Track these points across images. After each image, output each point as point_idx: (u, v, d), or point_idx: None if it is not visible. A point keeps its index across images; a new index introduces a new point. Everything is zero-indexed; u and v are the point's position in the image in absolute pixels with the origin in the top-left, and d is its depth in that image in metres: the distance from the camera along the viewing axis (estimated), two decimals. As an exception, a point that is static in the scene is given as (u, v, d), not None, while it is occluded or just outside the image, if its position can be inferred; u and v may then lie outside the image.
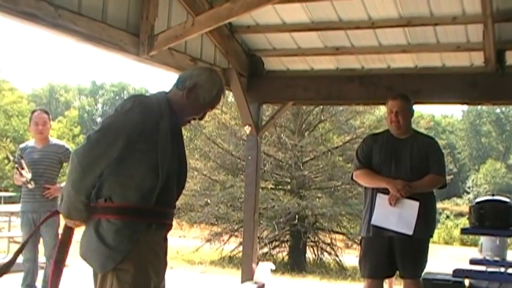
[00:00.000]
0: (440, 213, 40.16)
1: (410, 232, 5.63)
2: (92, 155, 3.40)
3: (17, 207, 9.93)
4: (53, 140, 8.14)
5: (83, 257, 3.62)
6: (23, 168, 7.58)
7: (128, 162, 3.47)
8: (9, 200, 23.74)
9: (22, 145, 8.16)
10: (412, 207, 5.66)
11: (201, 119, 3.92)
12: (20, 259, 7.95)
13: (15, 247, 12.12)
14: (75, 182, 3.44)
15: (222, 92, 3.88)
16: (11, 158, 8.03)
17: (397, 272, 5.92)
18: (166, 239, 3.76)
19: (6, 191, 32.52)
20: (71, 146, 8.36)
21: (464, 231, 9.17)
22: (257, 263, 9.15)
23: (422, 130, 13.16)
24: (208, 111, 3.92)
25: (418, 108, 8.50)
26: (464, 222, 35.10)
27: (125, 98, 3.67)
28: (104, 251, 3.46)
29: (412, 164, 5.78)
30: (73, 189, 3.46)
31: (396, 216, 5.67)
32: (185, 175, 3.83)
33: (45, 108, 8.55)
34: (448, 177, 6.22)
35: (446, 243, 31.83)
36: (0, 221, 16.02)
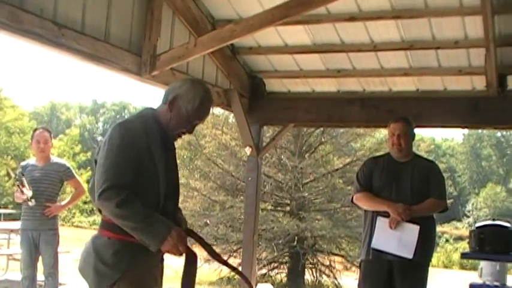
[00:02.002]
0: (439, 237, 40.06)
1: (410, 256, 5.62)
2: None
3: (17, 225, 9.92)
4: (54, 158, 8.17)
5: (80, 272, 3.62)
6: (24, 186, 7.60)
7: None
8: (9, 217, 23.73)
9: (23, 163, 8.19)
10: (412, 231, 5.65)
11: (190, 132, 3.85)
12: (18, 277, 7.96)
13: (14, 264, 12.11)
14: (121, 215, 3.39)
15: (206, 103, 3.80)
16: (12, 175, 8.05)
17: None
18: (163, 260, 3.76)
19: (6, 208, 32.52)
20: (71, 165, 8.38)
21: (464, 255, 9.15)
22: (256, 285, 9.12)
23: (422, 153, 13.20)
24: (197, 123, 3.85)
25: (418, 131, 8.58)
26: (463, 246, 35.01)
27: (113, 127, 3.60)
28: (100, 268, 3.47)
29: (412, 187, 5.78)
30: (129, 219, 3.40)
31: (396, 239, 5.67)
32: (178, 193, 3.83)
33: (47, 127, 8.60)
34: (448, 201, 6.20)
35: (446, 267, 31.71)
36: (0, 238, 16.00)
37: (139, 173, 3.47)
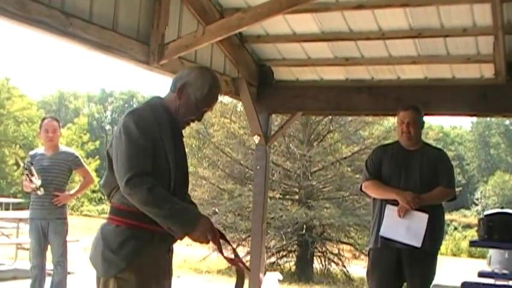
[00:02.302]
0: (448, 225, 39.99)
1: (418, 244, 5.62)
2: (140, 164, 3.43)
3: (25, 214, 9.97)
4: (63, 147, 8.19)
5: (90, 260, 3.65)
6: (32, 175, 7.63)
7: None
8: (17, 207, 23.83)
9: (32, 152, 8.21)
10: (421, 219, 5.65)
11: (199, 120, 3.86)
12: (27, 265, 8.00)
13: (23, 253, 12.16)
14: (151, 202, 3.40)
15: (215, 90, 3.81)
16: (21, 164, 8.08)
17: (405, 284, 5.90)
18: (171, 250, 3.76)
19: (15, 197, 32.64)
20: (80, 154, 8.41)
21: (473, 243, 9.13)
22: (264, 273, 9.13)
23: (431, 141, 13.16)
24: (206, 111, 3.85)
25: (427, 120, 8.54)
26: (472, 234, 34.95)
27: (124, 116, 3.62)
28: (108, 255, 3.49)
29: (421, 176, 5.77)
30: (159, 205, 3.41)
31: (405, 228, 5.66)
32: (188, 182, 3.84)
33: (56, 116, 8.62)
34: (456, 189, 6.19)
35: (454, 255, 31.67)
36: (9, 227, 16.07)
37: (153, 164, 3.48)
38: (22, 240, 12.59)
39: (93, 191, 45.22)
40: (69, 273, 8.17)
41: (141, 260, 3.49)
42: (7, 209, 24.52)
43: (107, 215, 3.72)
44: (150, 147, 3.48)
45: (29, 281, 7.92)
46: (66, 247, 8.00)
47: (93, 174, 8.37)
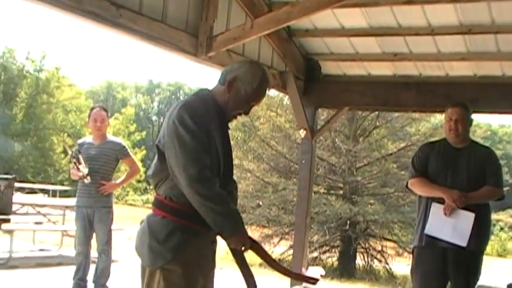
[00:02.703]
0: (494, 225, 39.48)
1: (464, 244, 5.55)
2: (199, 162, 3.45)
3: (71, 201, 10.11)
4: (110, 137, 8.27)
5: (136, 250, 3.69)
6: (80, 163, 7.73)
7: None
8: (64, 194, 24.20)
9: (80, 140, 8.31)
10: (467, 218, 5.57)
11: (246, 113, 3.87)
12: (72, 252, 8.11)
13: (68, 240, 12.34)
14: (213, 199, 3.46)
15: (264, 84, 3.83)
16: (69, 152, 8.19)
17: (449, 284, 5.84)
18: (215, 241, 3.78)
19: (62, 184, 33.13)
20: (126, 144, 8.50)
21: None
22: (307, 268, 9.13)
23: (478, 139, 13.00)
24: (254, 105, 3.86)
25: (475, 117, 8.40)
26: (519, 234, 34.48)
27: (177, 108, 3.63)
28: (155, 247, 3.52)
29: (469, 174, 5.70)
30: (218, 203, 3.47)
31: (450, 226, 5.60)
32: (233, 173, 3.85)
33: (104, 106, 8.72)
34: (504, 189, 6.10)
35: (500, 255, 31.27)
36: (55, 214, 16.31)
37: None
38: (68, 228, 12.77)
39: (139, 181, 45.60)
40: (113, 261, 8.26)
41: (187, 251, 3.52)
42: (54, 196, 24.93)
43: (151, 205, 3.76)
44: (206, 140, 3.51)
45: (74, 268, 8.02)
46: (111, 235, 8.09)
47: (139, 164, 8.43)
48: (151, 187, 4.59)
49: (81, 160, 7.78)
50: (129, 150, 8.34)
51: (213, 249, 3.79)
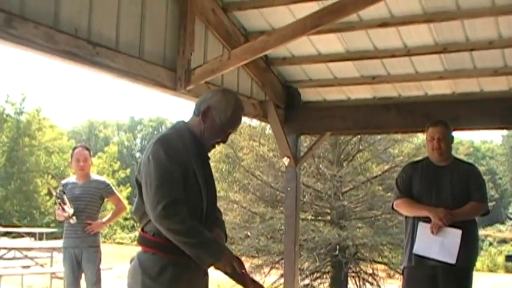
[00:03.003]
0: (483, 240, 39.52)
1: (453, 261, 5.56)
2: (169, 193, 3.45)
3: (59, 243, 10.04)
4: (94, 175, 8.25)
5: (128, 287, 3.66)
6: (65, 204, 7.69)
7: None
8: (51, 236, 24.05)
9: (64, 181, 8.28)
10: (454, 235, 5.59)
11: (224, 142, 3.89)
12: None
13: (57, 283, 12.23)
14: (182, 233, 3.46)
15: (239, 111, 3.85)
16: (54, 193, 8.17)
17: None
18: (207, 274, 3.77)
19: (48, 226, 32.92)
20: (111, 182, 8.47)
21: (509, 258, 9.06)
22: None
23: (462, 157, 13.04)
24: (230, 132, 3.88)
25: (456, 135, 8.46)
26: (508, 248, 34.53)
27: (152, 143, 3.65)
28: (148, 283, 3.52)
29: (453, 191, 5.72)
30: (189, 236, 3.48)
31: (438, 245, 5.61)
32: (216, 201, 3.85)
33: (86, 145, 8.70)
34: (490, 204, 6.13)
35: (490, 270, 31.26)
36: (43, 256, 16.20)
37: (185, 189, 3.51)
38: (56, 269, 12.68)
39: (126, 219, 45.33)
40: (103, 301, 8.19)
41: (180, 286, 3.51)
42: (41, 238, 24.78)
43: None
44: (180, 173, 3.51)
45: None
46: (100, 275, 8.03)
47: (125, 202, 8.40)
48: (138, 224, 4.54)
49: (66, 200, 7.74)
50: (113, 188, 8.31)
51: (206, 282, 3.78)
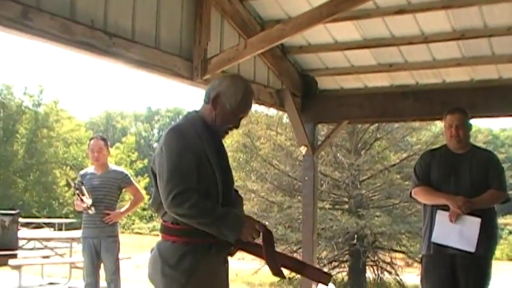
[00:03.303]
0: (502, 229, 39.23)
1: (472, 249, 5.53)
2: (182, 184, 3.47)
3: (78, 233, 10.07)
4: (112, 166, 8.27)
5: (149, 278, 3.70)
6: (83, 195, 7.72)
7: None
8: (70, 226, 24.20)
9: (82, 171, 8.30)
10: (473, 223, 5.55)
11: (236, 127, 3.91)
12: (81, 284, 8.09)
13: (77, 272, 12.30)
14: (195, 216, 3.47)
15: (248, 95, 3.86)
16: (72, 184, 8.19)
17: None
18: (227, 261, 3.78)
19: (67, 217, 33.08)
20: (129, 172, 8.49)
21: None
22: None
23: (480, 144, 12.97)
24: (242, 117, 3.89)
25: (475, 122, 8.37)
26: (529, 237, 34.30)
27: (165, 133, 3.67)
28: (168, 272, 3.52)
29: (471, 179, 5.68)
30: (204, 216, 3.49)
31: (457, 233, 5.58)
32: (232, 191, 3.85)
33: (103, 135, 8.71)
34: (509, 191, 6.08)
35: (510, 259, 31.09)
36: (62, 247, 16.30)
37: (199, 177, 3.51)
38: (75, 259, 12.74)
39: (144, 209, 45.48)
40: (122, 290, 8.22)
41: (200, 274, 3.52)
42: (60, 229, 24.94)
43: (157, 232, 3.76)
44: (193, 161, 3.53)
45: (84, 300, 7.99)
46: (119, 265, 8.06)
47: (143, 192, 8.41)
48: (157, 215, 4.57)
49: (84, 191, 7.77)
50: (131, 178, 8.33)
51: (226, 270, 3.79)
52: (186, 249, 3.54)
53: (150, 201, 3.75)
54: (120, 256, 8.09)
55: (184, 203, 3.41)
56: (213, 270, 3.62)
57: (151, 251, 3.75)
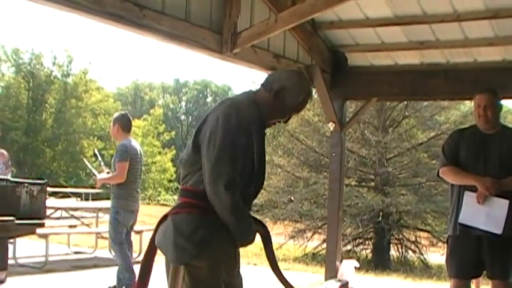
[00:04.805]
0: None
1: (499, 231, 5.48)
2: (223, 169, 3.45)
3: (104, 204, 10.13)
4: (124, 140, 8.22)
5: (158, 245, 3.67)
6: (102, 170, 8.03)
7: None
8: (97, 197, 24.37)
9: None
10: (501, 205, 5.50)
11: (285, 122, 3.92)
12: (107, 254, 8.16)
13: (102, 243, 12.41)
14: (233, 210, 3.50)
15: (309, 98, 3.86)
16: (99, 156, 8.28)
17: (485, 272, 5.77)
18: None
19: (94, 187, 33.35)
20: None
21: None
22: (341, 261, 9.09)
23: (510, 125, 12.86)
24: (294, 115, 3.91)
25: (505, 103, 8.32)
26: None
27: (225, 105, 3.65)
28: (180, 243, 3.50)
29: (501, 160, 5.61)
30: (237, 216, 3.53)
31: (484, 214, 5.52)
32: (264, 177, 3.84)
33: (116, 114, 8.73)
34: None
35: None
36: (88, 216, 16.44)
37: (243, 159, 3.52)
38: (102, 230, 12.84)
39: (170, 181, 45.87)
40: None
41: (212, 247, 3.51)
42: (87, 199, 25.18)
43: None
44: (244, 144, 3.52)
45: (109, 269, 8.09)
46: (115, 237, 8.09)
47: (124, 176, 8.18)
48: (182, 176, 4.48)
49: (103, 166, 8.05)
50: (120, 154, 8.11)
51: (237, 252, 3.78)
52: (201, 222, 3.52)
53: (183, 159, 3.72)
54: (145, 228, 8.17)
55: (231, 196, 3.42)
56: (224, 246, 3.61)
57: (161, 220, 3.75)
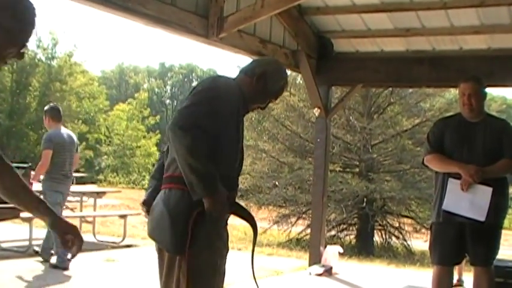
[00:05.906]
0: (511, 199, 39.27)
1: (482, 218, 5.51)
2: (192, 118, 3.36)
3: (88, 188, 10.12)
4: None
5: (152, 236, 3.64)
6: None
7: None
8: (80, 181, 24.26)
9: None
10: (484, 193, 5.53)
11: (263, 108, 3.99)
12: (91, 238, 8.12)
13: (87, 226, 12.38)
14: (191, 151, 3.32)
15: (286, 85, 3.98)
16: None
17: (468, 259, 5.81)
18: (227, 223, 3.75)
19: (78, 171, 33.26)
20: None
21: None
22: (325, 246, 9.13)
23: (494, 113, 12.89)
24: (270, 102, 3.95)
25: (489, 91, 8.35)
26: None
27: (210, 78, 3.75)
28: (178, 229, 3.46)
29: (485, 148, 5.64)
30: (195, 159, 3.33)
31: (468, 202, 5.55)
32: (242, 162, 3.84)
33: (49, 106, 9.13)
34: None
35: (519, 229, 31.09)
36: (73, 200, 16.38)
37: (224, 135, 3.48)
38: (86, 213, 12.81)
39: (154, 165, 45.57)
40: (131, 246, 8.30)
41: (206, 227, 3.49)
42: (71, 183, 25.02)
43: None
44: (229, 114, 3.52)
45: (93, 253, 8.09)
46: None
47: (47, 163, 8.62)
48: (165, 168, 4.43)
49: None
50: (44, 143, 8.73)
51: (226, 231, 3.78)
52: (194, 201, 3.45)
53: (167, 148, 3.68)
54: (129, 212, 8.22)
55: (190, 133, 3.29)
56: (218, 232, 3.60)
57: (144, 203, 3.74)
